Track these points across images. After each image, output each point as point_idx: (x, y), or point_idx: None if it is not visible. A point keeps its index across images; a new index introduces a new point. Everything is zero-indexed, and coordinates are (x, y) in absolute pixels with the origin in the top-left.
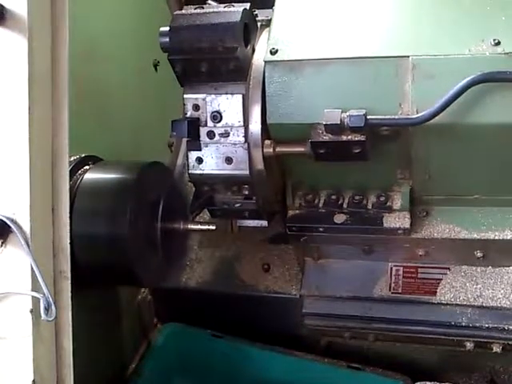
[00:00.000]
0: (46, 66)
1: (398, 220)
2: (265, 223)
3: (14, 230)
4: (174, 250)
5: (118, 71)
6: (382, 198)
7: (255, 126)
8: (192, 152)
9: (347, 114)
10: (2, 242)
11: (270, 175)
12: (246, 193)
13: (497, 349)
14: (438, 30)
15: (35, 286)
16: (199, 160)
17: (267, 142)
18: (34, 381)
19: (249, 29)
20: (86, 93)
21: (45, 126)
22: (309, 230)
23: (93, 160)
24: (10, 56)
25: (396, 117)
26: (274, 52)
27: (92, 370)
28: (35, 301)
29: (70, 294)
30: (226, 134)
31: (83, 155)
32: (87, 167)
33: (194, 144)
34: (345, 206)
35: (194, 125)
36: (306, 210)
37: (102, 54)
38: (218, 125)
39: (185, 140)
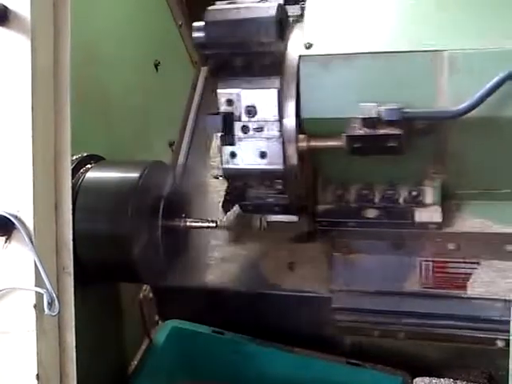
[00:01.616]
0: (49, 67)
1: (429, 214)
2: (295, 218)
3: (18, 226)
4: (176, 248)
5: (120, 71)
6: (414, 193)
7: (290, 121)
8: (226, 147)
9: (383, 107)
10: (7, 239)
11: (302, 170)
12: (279, 187)
13: (501, 344)
14: (475, 24)
15: (39, 282)
16: (233, 155)
17: (301, 136)
18: (37, 374)
19: (283, 24)
20: (87, 93)
21: (47, 125)
22: (339, 225)
23: (95, 159)
24: (13, 56)
25: (433, 110)
26: (308, 46)
27: (94, 366)
28: (39, 296)
29: (72, 290)
30: (260, 129)
31: (85, 154)
32: (89, 166)
33: (228, 139)
34: (376, 200)
35: (229, 119)
36: (336, 204)
37: (103, 54)
38: (253, 119)
39: (186, 140)
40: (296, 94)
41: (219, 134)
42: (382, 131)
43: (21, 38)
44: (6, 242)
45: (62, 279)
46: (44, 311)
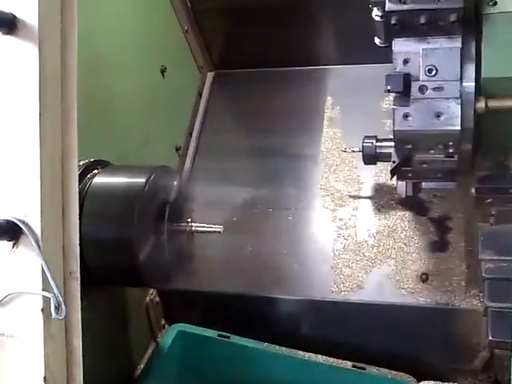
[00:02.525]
0: (56, 74)
1: None
2: (453, 185)
3: (26, 231)
4: (182, 252)
5: (126, 77)
6: None
7: (469, 81)
8: (399, 108)
9: None
10: (14, 244)
11: (476, 133)
12: (451, 151)
13: None
14: None
15: (46, 286)
16: (406, 116)
17: (480, 97)
18: (45, 377)
19: None
20: (95, 99)
21: (55, 131)
22: (498, 192)
23: (102, 164)
24: (21, 64)
25: None
26: (492, 4)
27: (101, 370)
28: (46, 300)
29: (79, 294)
30: (440, 89)
31: (92, 159)
32: (96, 171)
33: (404, 99)
34: None
35: (407, 79)
36: (496, 171)
37: (110, 60)
38: (432, 79)
39: (192, 145)
40: (476, 53)
41: (393, 95)
42: None
43: (29, 45)
44: (13, 246)
45: (69, 283)
46: (51, 315)
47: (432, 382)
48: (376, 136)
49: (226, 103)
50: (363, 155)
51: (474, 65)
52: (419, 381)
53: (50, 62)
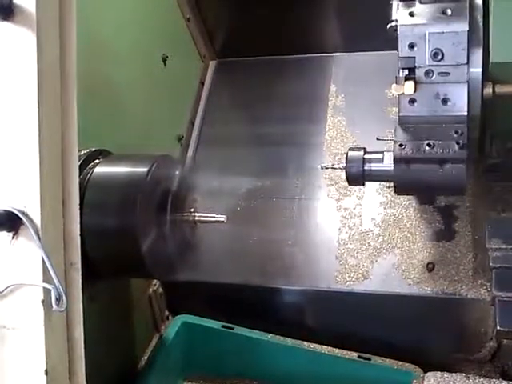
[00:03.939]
0: (55, 61)
1: None
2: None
3: (26, 222)
4: (185, 242)
5: (127, 65)
6: None
7: (476, 67)
8: (404, 96)
9: None
10: (14, 235)
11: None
12: (459, 141)
13: None
14: None
15: (46, 278)
16: (412, 101)
17: (487, 83)
18: (46, 370)
19: None
20: (95, 87)
21: (54, 120)
22: (507, 180)
23: (103, 154)
24: (19, 51)
25: None
26: None
27: (104, 362)
28: (46, 292)
29: (80, 286)
30: (446, 74)
31: (93, 149)
32: (97, 161)
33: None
34: None
35: (411, 64)
36: (506, 157)
37: (110, 48)
38: (439, 63)
39: (195, 134)
40: (483, 37)
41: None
42: None
43: (26, 32)
44: (13, 237)
45: (70, 275)
46: (52, 307)
47: (438, 372)
48: (365, 148)
49: (229, 92)
50: (346, 174)
51: (481, 49)
52: (425, 371)
53: (49, 49)
